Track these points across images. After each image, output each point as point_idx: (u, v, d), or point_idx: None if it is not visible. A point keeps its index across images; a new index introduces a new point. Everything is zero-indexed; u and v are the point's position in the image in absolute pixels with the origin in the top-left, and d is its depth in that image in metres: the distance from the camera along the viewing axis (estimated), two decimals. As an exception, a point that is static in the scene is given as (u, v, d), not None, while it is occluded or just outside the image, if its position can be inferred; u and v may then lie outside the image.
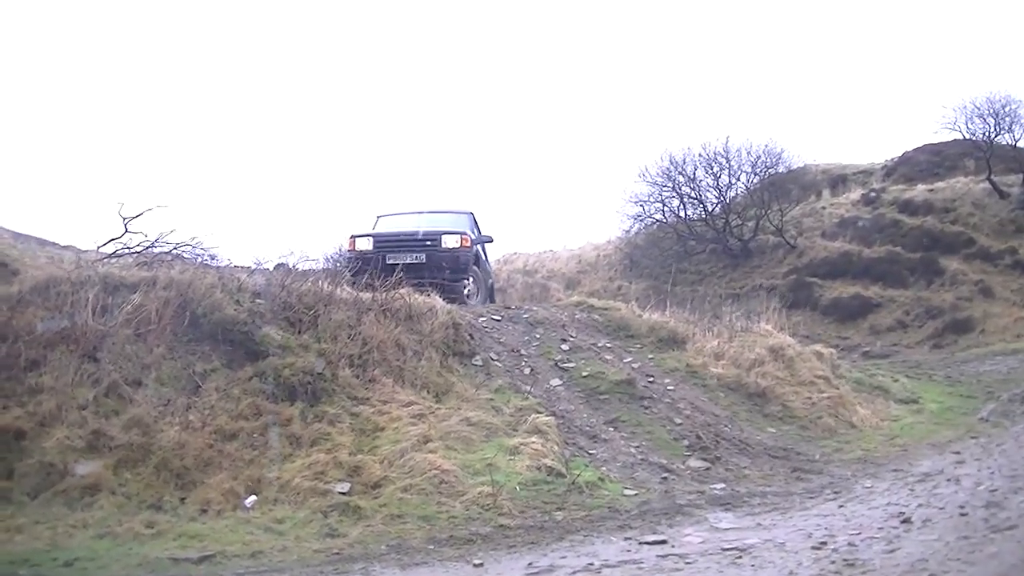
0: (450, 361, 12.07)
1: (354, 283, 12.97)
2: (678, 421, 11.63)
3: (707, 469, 10.41)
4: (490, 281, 20.10)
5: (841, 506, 8.68)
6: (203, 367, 10.42)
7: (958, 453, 11.00)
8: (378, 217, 18.96)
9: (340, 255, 16.52)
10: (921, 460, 10.88)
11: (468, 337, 12.79)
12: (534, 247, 39.98)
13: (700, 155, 31.96)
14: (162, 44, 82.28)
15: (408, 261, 15.22)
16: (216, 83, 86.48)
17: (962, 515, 7.55)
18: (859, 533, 7.30)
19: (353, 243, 16.36)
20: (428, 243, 16.27)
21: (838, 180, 36.09)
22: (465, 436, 10.06)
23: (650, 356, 13.93)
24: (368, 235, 16.62)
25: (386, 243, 16.32)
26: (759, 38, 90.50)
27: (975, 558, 6.12)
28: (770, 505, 8.97)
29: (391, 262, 14.75)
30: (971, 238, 27.58)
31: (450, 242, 16.32)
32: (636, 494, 9.30)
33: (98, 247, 13.75)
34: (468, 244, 16.66)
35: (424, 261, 15.73)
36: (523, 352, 13.24)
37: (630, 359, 13.63)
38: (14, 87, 74.06)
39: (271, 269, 13.74)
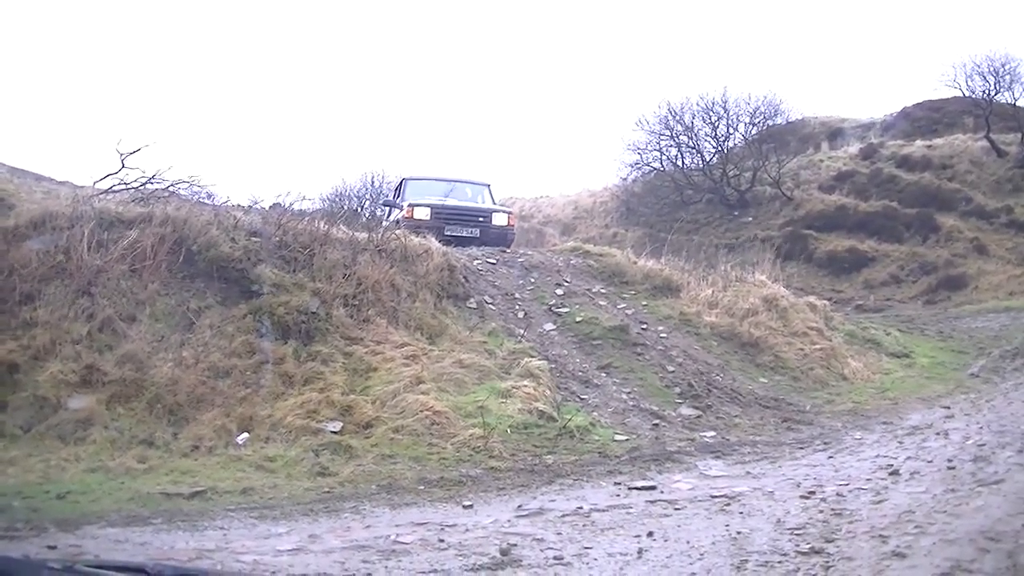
0: (444, 303, 12.07)
1: None
2: (670, 368, 11.67)
3: (698, 417, 10.46)
4: None
5: (830, 457, 8.73)
6: (197, 304, 10.41)
7: (948, 408, 11.08)
8: (404, 180, 19.52)
9: (399, 221, 16.98)
10: (911, 413, 10.95)
11: (463, 280, 12.78)
12: (530, 192, 39.95)
13: (698, 105, 31.93)
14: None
15: (464, 234, 16.52)
16: (216, 20, 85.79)
17: (950, 468, 7.60)
18: (847, 483, 7.35)
19: (411, 211, 16.96)
20: (481, 219, 17.47)
21: (836, 133, 35.98)
22: (458, 378, 10.10)
23: (644, 303, 13.94)
24: (427, 206, 17.26)
25: (444, 215, 17.10)
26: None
27: (961, 511, 6.17)
28: (760, 454, 9.02)
29: (449, 233, 15.78)
30: (968, 195, 27.49)
31: (500, 220, 17.67)
32: (627, 440, 9.35)
33: (94, 183, 13.68)
34: (513, 223, 18.17)
35: (477, 235, 16.84)
36: (517, 296, 13.24)
37: (624, 305, 13.64)
38: (12, 22, 73.41)
39: (267, 208, 13.70)
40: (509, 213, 18.44)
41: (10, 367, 8.86)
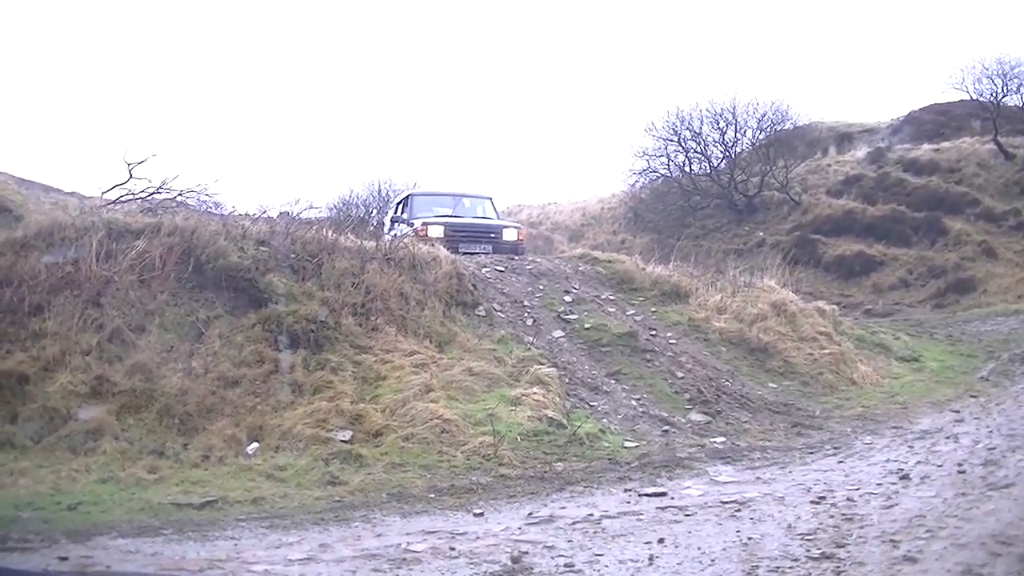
0: (453, 311, 12.07)
1: None
2: (679, 375, 11.65)
3: (708, 423, 10.44)
4: None
5: (840, 462, 8.71)
6: (206, 314, 10.43)
7: (957, 411, 11.05)
8: (410, 195, 19.86)
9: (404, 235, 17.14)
10: (921, 418, 10.93)
11: (471, 287, 12.79)
12: (538, 199, 40.01)
13: (707, 111, 31.94)
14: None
15: (477, 250, 16.71)
16: (222, 30, 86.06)
17: (960, 473, 7.58)
18: (858, 488, 7.34)
19: (425, 230, 17.08)
20: (492, 235, 17.88)
21: (844, 138, 35.95)
22: (467, 386, 10.09)
23: (653, 309, 13.92)
24: (440, 224, 17.51)
25: (457, 233, 17.33)
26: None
27: (972, 515, 6.16)
28: (770, 459, 9.01)
29: (463, 251, 15.92)
30: (975, 199, 27.45)
31: (511, 235, 18.09)
32: (636, 446, 9.33)
33: (102, 193, 13.77)
34: (523, 238, 18.64)
35: (490, 251, 17.01)
36: (526, 303, 13.24)
37: (633, 312, 13.63)
38: (19, 33, 73.66)
39: (275, 217, 13.73)
40: (519, 228, 18.90)
41: (20, 378, 8.88)
